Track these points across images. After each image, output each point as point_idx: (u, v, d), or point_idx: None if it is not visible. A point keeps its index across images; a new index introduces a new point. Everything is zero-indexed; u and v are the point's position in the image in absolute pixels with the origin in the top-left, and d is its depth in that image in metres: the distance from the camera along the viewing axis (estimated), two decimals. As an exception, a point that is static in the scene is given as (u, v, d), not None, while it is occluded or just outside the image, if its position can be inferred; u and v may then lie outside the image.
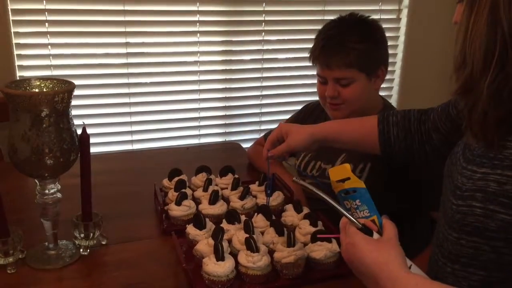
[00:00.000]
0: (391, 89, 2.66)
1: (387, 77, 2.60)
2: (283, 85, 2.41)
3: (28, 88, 1.10)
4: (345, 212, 0.86)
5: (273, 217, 1.25)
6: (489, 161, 0.85)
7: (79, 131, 1.13)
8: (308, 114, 1.70)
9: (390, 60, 2.59)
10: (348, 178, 0.89)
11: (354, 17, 1.54)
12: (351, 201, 0.88)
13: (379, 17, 2.50)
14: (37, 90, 1.10)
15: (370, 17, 1.55)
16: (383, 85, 2.60)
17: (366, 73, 1.48)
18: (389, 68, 2.59)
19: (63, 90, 1.05)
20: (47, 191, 1.13)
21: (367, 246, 0.82)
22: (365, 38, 1.48)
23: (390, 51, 2.58)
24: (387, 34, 2.51)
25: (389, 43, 2.55)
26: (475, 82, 0.81)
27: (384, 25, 2.49)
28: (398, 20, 2.55)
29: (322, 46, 1.48)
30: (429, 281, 0.81)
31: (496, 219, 0.82)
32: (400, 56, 2.60)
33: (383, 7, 2.51)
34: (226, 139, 2.37)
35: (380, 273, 0.79)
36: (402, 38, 2.57)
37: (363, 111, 1.50)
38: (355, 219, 0.86)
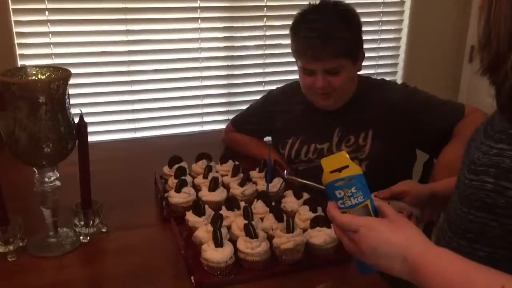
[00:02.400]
0: (395, 74, 2.64)
1: (391, 61, 2.60)
2: (285, 71, 2.39)
3: (24, 76, 1.10)
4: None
5: (273, 203, 1.25)
6: (508, 137, 0.85)
7: (77, 120, 1.13)
8: (294, 94, 1.67)
9: (394, 44, 2.59)
10: (346, 166, 0.86)
11: (329, 4, 1.52)
12: (346, 189, 0.84)
13: (382, 1, 2.47)
14: (33, 78, 1.10)
15: (342, 1, 1.53)
16: (387, 70, 2.60)
17: (352, 58, 1.48)
18: (393, 53, 2.59)
19: (59, 77, 1.05)
20: (46, 179, 1.13)
21: (387, 226, 0.80)
22: (349, 25, 1.48)
23: (394, 35, 2.57)
24: (391, 18, 2.52)
25: (393, 27, 2.55)
26: (502, 59, 0.80)
27: (388, 9, 2.50)
28: (402, 3, 2.52)
29: (308, 39, 1.45)
30: (458, 256, 0.77)
31: (506, 196, 0.82)
32: (404, 40, 2.56)
33: (387, -9, 2.48)
34: (229, 126, 2.36)
35: (410, 248, 0.77)
36: (406, 22, 2.54)
37: (347, 93, 1.54)
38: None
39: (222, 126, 2.06)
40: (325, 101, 1.52)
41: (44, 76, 1.10)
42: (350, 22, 1.49)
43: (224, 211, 1.21)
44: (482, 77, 0.86)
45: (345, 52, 1.45)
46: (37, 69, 1.11)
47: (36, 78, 1.09)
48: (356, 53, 1.50)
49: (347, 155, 0.88)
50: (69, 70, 1.08)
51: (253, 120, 1.76)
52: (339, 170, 0.85)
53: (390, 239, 0.78)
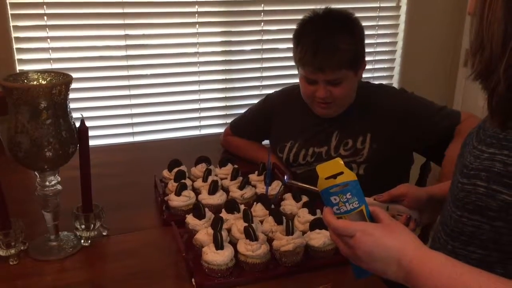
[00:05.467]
0: (391, 78, 2.66)
1: (388, 65, 2.62)
2: (283, 75, 2.41)
3: (26, 81, 1.11)
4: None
5: (272, 206, 1.26)
6: (498, 141, 0.86)
7: (78, 124, 1.14)
8: (292, 97, 1.68)
9: (391, 48, 2.61)
10: (341, 173, 0.86)
11: (333, 13, 1.52)
12: (341, 195, 0.85)
13: (378, 5, 2.49)
14: (35, 83, 1.11)
15: (346, 11, 1.54)
16: (383, 74, 2.62)
17: (354, 69, 1.49)
18: (390, 57, 2.61)
19: (61, 82, 1.06)
20: (47, 183, 1.14)
21: (382, 230, 0.81)
22: (354, 37, 1.49)
23: (390, 39, 2.59)
24: (387, 23, 2.54)
25: (389, 31, 2.57)
26: (495, 64, 0.80)
27: (384, 14, 2.52)
28: (397, 8, 2.54)
29: (315, 50, 1.44)
30: (451, 259, 0.78)
31: (498, 199, 0.83)
32: (400, 44, 2.59)
33: (383, -5, 2.50)
34: (227, 130, 2.37)
35: (404, 252, 0.78)
36: (402, 26, 2.56)
37: (347, 103, 1.55)
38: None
39: (220, 130, 2.08)
40: (325, 110, 1.53)
41: (45, 81, 1.12)
42: (354, 33, 1.49)
43: (224, 214, 1.22)
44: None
45: (349, 63, 1.46)
46: (39, 74, 1.12)
47: (38, 83, 1.10)
48: (358, 63, 1.51)
49: (342, 162, 0.89)
50: (71, 75, 1.09)
51: (251, 124, 1.77)
52: (334, 176, 0.86)
53: (385, 243, 0.79)
